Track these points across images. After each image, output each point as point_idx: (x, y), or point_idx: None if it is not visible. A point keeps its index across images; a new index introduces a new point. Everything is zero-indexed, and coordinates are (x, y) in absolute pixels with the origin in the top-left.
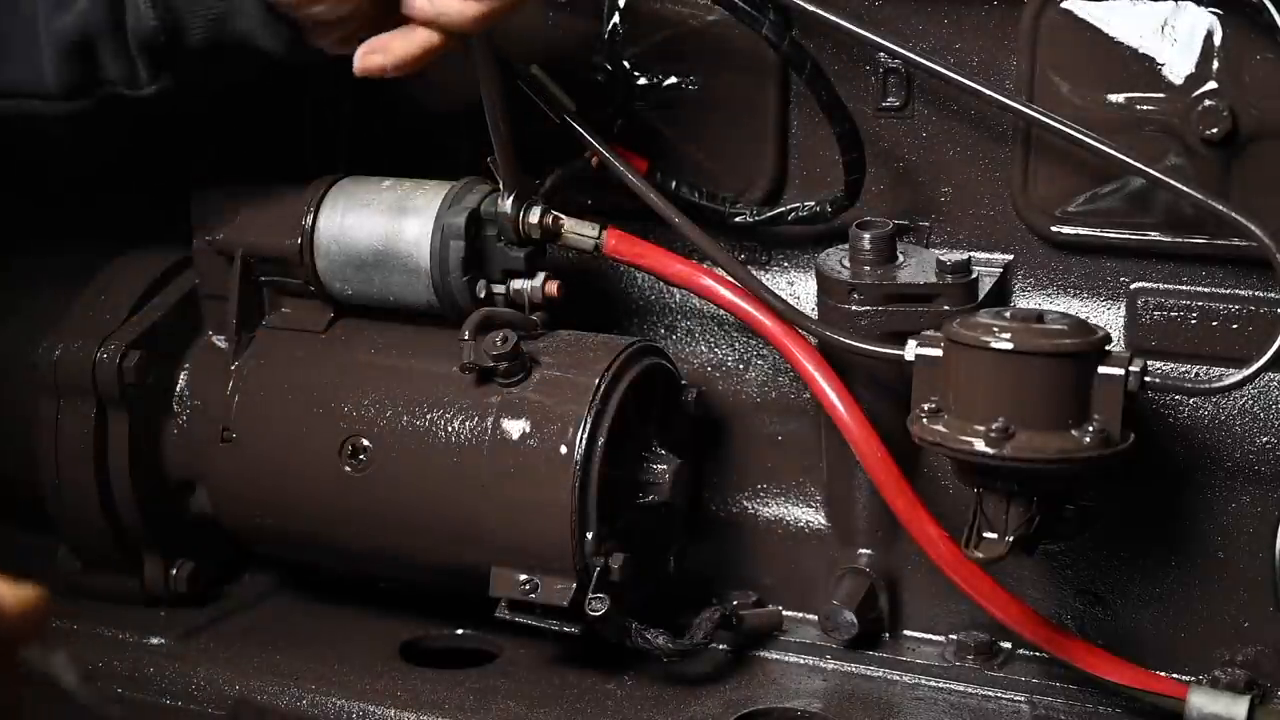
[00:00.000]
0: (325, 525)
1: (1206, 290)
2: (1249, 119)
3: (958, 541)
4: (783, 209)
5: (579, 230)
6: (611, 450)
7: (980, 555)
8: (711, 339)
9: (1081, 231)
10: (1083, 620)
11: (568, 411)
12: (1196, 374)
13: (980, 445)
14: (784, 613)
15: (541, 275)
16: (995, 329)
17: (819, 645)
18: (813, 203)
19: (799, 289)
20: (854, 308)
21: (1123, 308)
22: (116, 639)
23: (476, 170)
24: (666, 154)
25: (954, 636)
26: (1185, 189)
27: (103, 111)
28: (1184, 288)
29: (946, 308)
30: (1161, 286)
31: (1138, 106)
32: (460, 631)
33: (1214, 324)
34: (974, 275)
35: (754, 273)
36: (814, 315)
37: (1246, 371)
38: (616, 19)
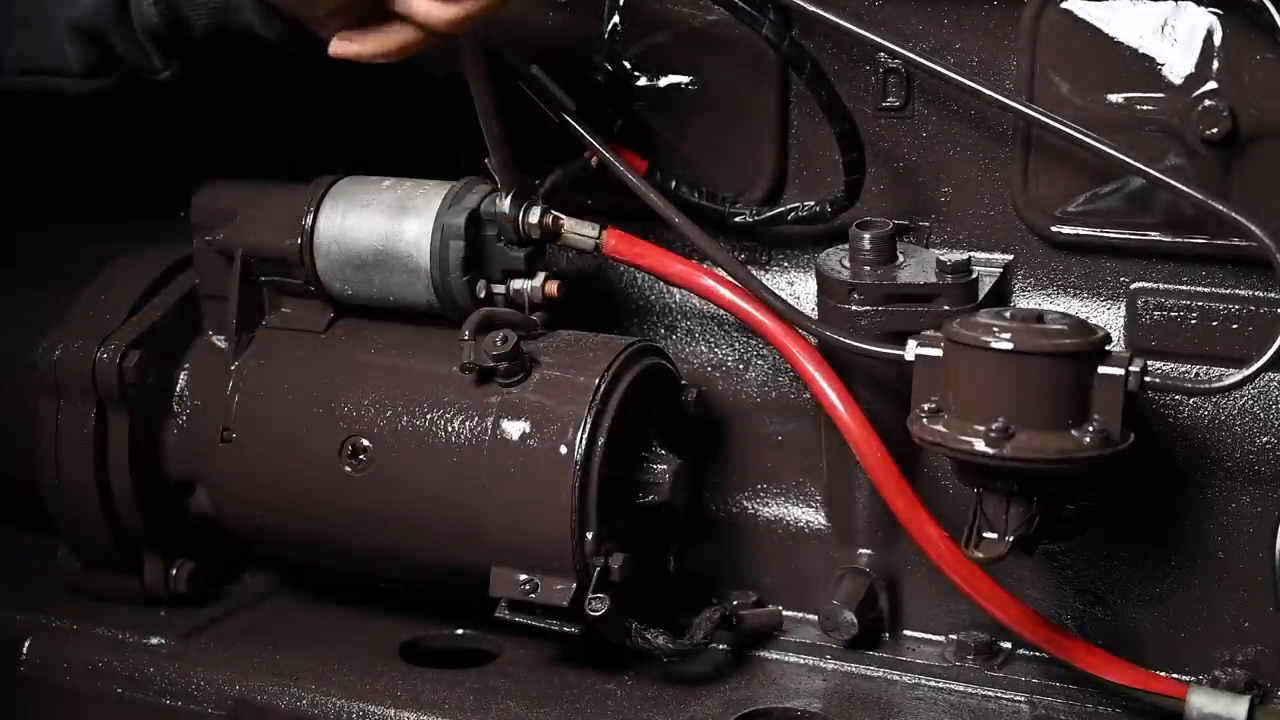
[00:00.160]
0: (325, 525)
1: (1206, 290)
2: (1249, 119)
3: (958, 541)
4: (783, 209)
5: (579, 230)
6: (611, 450)
7: (980, 555)
8: (711, 339)
9: (1081, 231)
10: (1083, 620)
11: (568, 411)
12: (1196, 374)
13: (980, 445)
14: (784, 613)
15: (541, 275)
16: (995, 329)
17: (819, 645)
18: (813, 203)
19: (799, 289)
20: (854, 308)
21: (1123, 308)
22: (116, 639)
23: (476, 170)
24: (666, 154)
25: (954, 636)
26: (1185, 189)
27: (126, 90)
28: (1184, 288)
29: (946, 308)
30: (1161, 286)
31: (1138, 106)
32: (460, 631)
33: (1214, 324)
34: (974, 275)
35: (754, 273)
36: (814, 315)
37: (1246, 371)
38: (616, 19)
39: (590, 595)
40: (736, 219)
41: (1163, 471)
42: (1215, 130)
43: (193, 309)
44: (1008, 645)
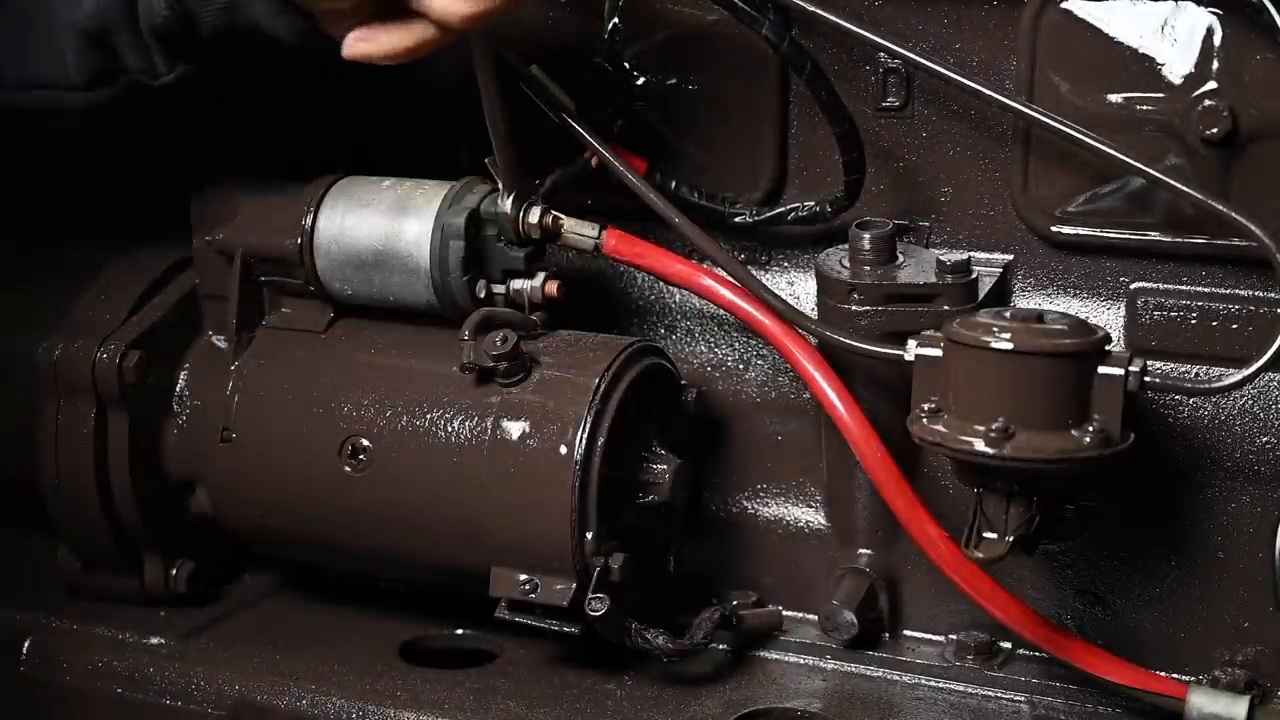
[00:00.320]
0: (325, 525)
1: (1206, 290)
2: (1249, 119)
3: (958, 541)
4: (783, 209)
5: (579, 230)
6: (611, 450)
7: (980, 555)
8: (711, 339)
9: (1081, 231)
10: (1083, 620)
11: (568, 411)
12: (1196, 374)
13: (980, 445)
14: (784, 613)
15: (541, 275)
16: (995, 329)
17: (819, 645)
18: (813, 203)
19: (799, 289)
20: (854, 308)
21: (1123, 308)
22: (116, 639)
23: (476, 170)
24: (666, 154)
25: (954, 636)
26: (1185, 189)
27: (125, 101)
28: (1184, 288)
29: (946, 308)
30: (1161, 286)
31: (1138, 106)
32: (460, 631)
33: (1214, 324)
34: (974, 275)
35: (754, 273)
36: (814, 315)
37: (1246, 371)
38: (616, 19)
39: (590, 595)
40: (736, 219)
41: (1163, 471)
42: (1215, 130)
43: (193, 309)
44: (1008, 645)
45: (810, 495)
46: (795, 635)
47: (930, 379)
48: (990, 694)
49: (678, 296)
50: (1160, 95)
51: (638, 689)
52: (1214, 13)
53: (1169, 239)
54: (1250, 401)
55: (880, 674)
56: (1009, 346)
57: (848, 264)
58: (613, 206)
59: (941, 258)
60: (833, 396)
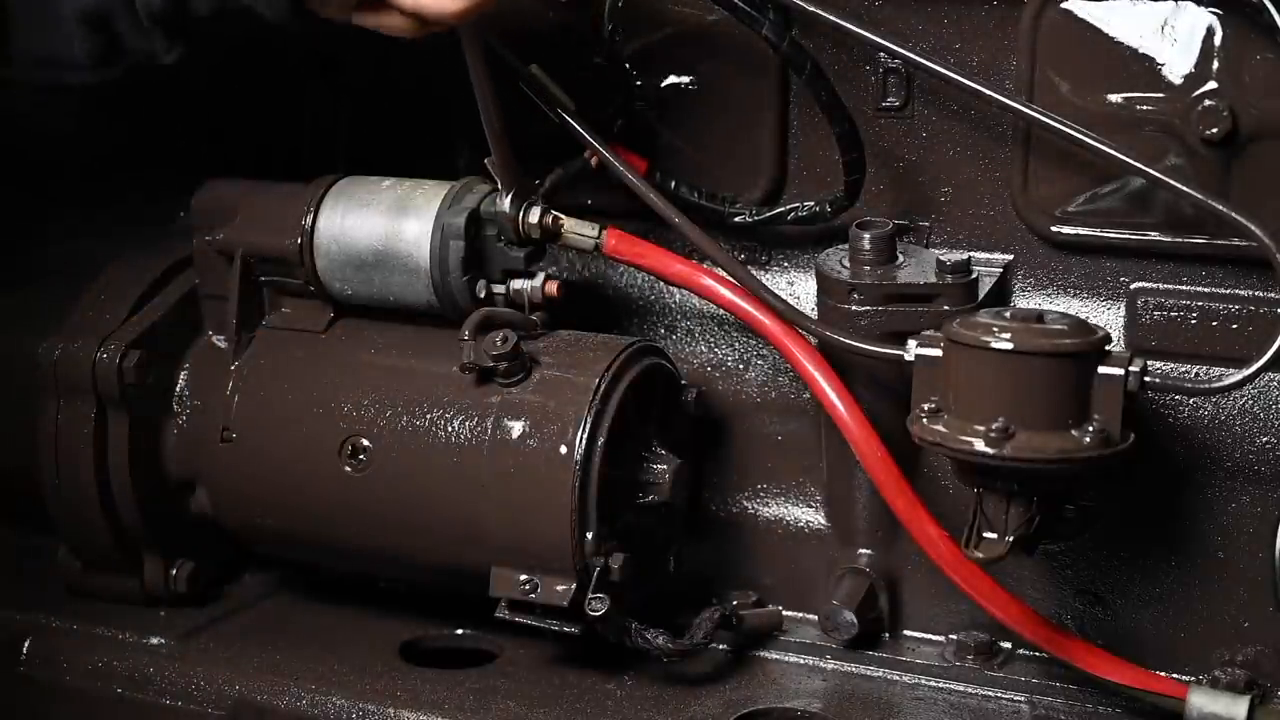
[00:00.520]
0: (325, 525)
1: (1206, 290)
2: (1249, 119)
3: (958, 541)
4: (783, 209)
5: (579, 230)
6: (611, 450)
7: (980, 555)
8: (711, 339)
9: (1081, 231)
10: (1083, 620)
11: (568, 411)
12: (1196, 374)
13: (980, 445)
14: (784, 613)
15: (541, 275)
16: (995, 329)
17: (819, 645)
18: (813, 203)
19: (799, 289)
20: (854, 308)
21: (1123, 308)
22: (116, 639)
23: (477, 170)
24: (666, 154)
25: (954, 636)
26: (1185, 189)
27: (132, 79)
28: (1184, 288)
29: (946, 308)
30: (1161, 286)
31: (1138, 106)
32: (460, 631)
33: (1214, 324)
34: (974, 275)
35: (754, 273)
36: (814, 315)
37: (1246, 371)
38: (616, 19)
39: (590, 595)
40: (736, 219)
41: (1163, 471)
42: (1215, 130)
43: (193, 309)
44: (1008, 645)
45: (810, 495)
46: (795, 635)
47: (930, 379)
48: (990, 694)
49: (678, 296)
50: (1160, 95)
51: (638, 689)
52: (1214, 13)
53: (1169, 239)
54: (1250, 401)
55: (880, 674)
56: (1009, 346)
57: (848, 264)
58: (613, 206)
59: (941, 258)
60: (833, 396)
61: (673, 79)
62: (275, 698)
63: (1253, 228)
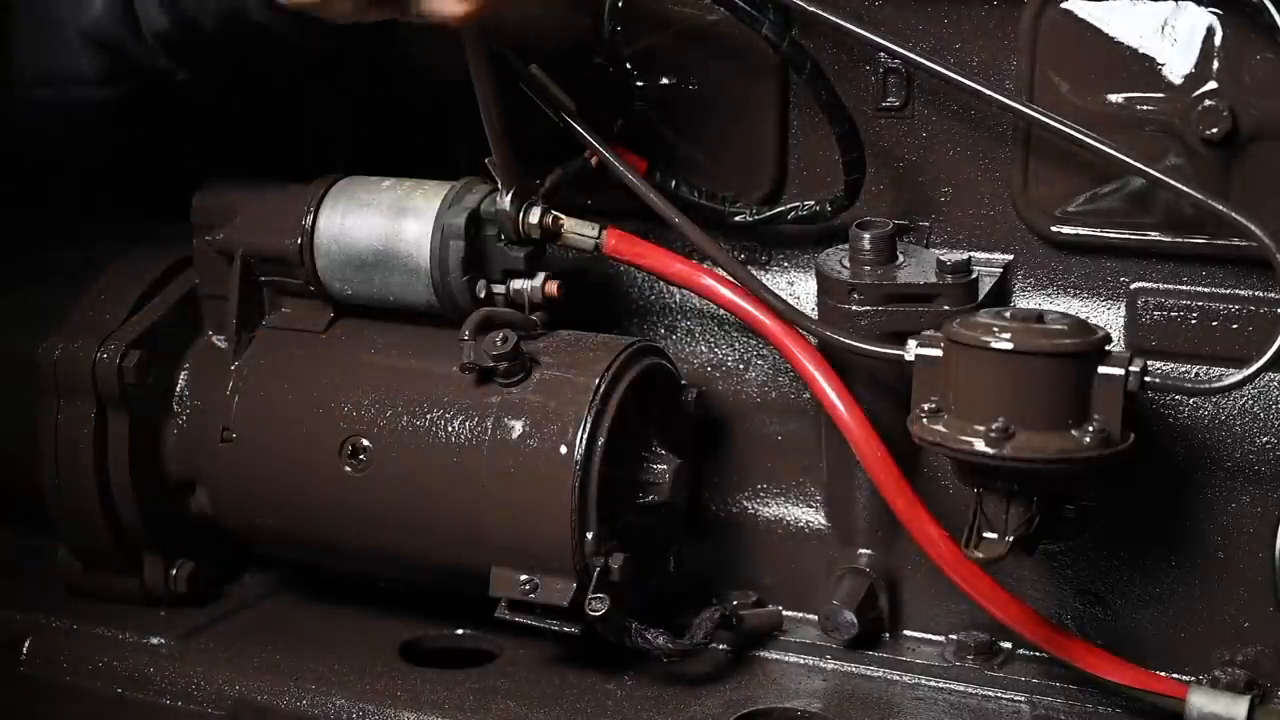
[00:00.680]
0: (325, 525)
1: (1206, 290)
2: (1249, 119)
3: (958, 541)
4: (783, 209)
5: (579, 230)
6: (611, 450)
7: (980, 555)
8: (711, 339)
9: (1081, 231)
10: (1083, 620)
11: (568, 411)
12: (1196, 374)
13: (980, 445)
14: (784, 613)
15: (541, 275)
16: (995, 329)
17: (819, 645)
18: (813, 203)
19: (799, 289)
20: (854, 308)
21: (1123, 308)
22: (116, 639)
23: (477, 170)
24: (666, 154)
25: (954, 636)
26: (1185, 189)
27: (142, 96)
28: (1184, 288)
29: (946, 308)
30: (1161, 286)
31: (1138, 106)
32: (460, 631)
33: (1214, 324)
34: (974, 275)
35: (754, 273)
36: (814, 315)
37: (1246, 371)
38: (616, 19)
39: (590, 595)
40: (736, 219)
41: (1163, 471)
42: (1215, 130)
43: (193, 309)
44: (1008, 645)
45: (810, 495)
46: (795, 635)
47: (930, 379)
48: (990, 694)
49: (678, 296)
50: (1160, 95)
51: (638, 689)
52: (1214, 13)
53: (1169, 239)
54: (1250, 401)
55: (880, 674)
56: (1009, 346)
57: (848, 264)
58: (613, 206)
59: (941, 258)
60: (833, 396)
61: (673, 79)
62: (275, 698)
63: (1253, 228)
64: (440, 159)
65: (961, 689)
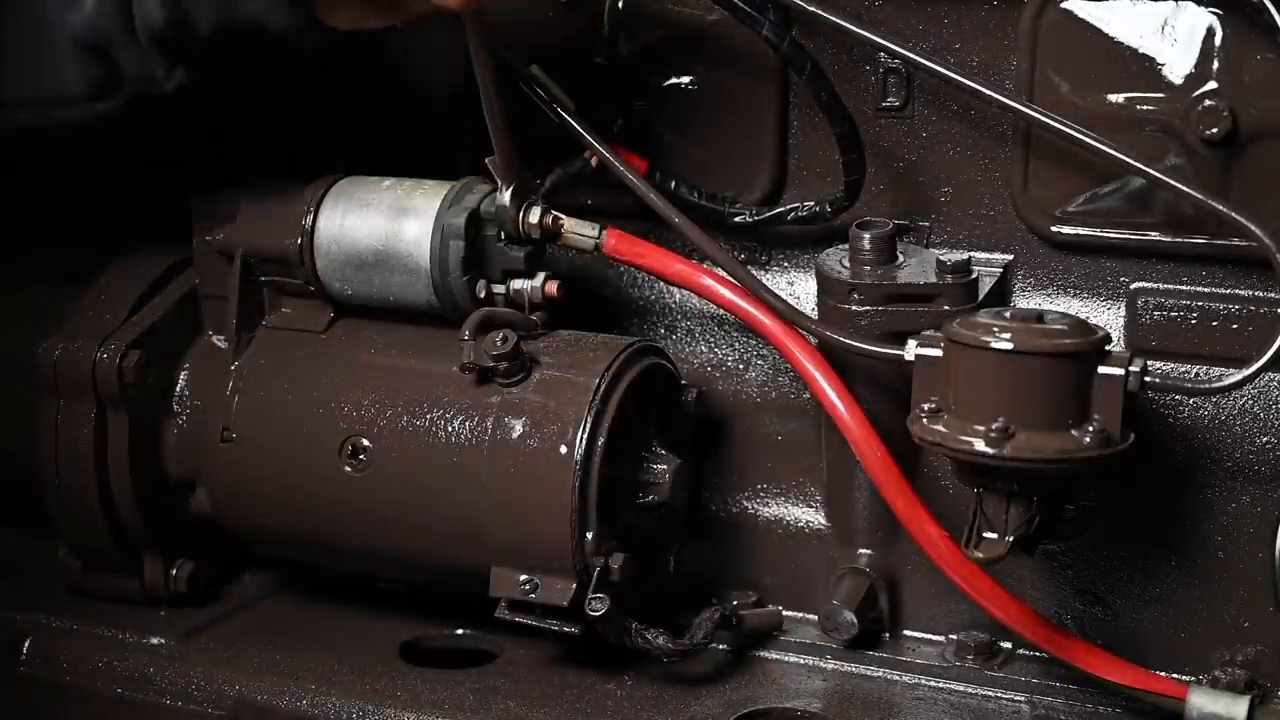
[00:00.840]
0: (325, 525)
1: (1206, 290)
2: (1249, 119)
3: (958, 541)
4: (783, 209)
5: (579, 230)
6: (611, 450)
7: (980, 555)
8: (711, 339)
9: (1081, 231)
10: (1083, 620)
11: (568, 411)
12: (1196, 374)
13: (980, 445)
14: (784, 613)
15: (541, 275)
16: (995, 329)
17: (819, 645)
18: (813, 203)
19: (799, 289)
20: (854, 308)
21: (1123, 308)
22: (116, 639)
23: (476, 170)
24: (666, 154)
25: (954, 636)
26: (1185, 189)
27: (128, 112)
28: (1184, 288)
29: (946, 308)
30: (1161, 286)
31: (1138, 106)
32: (460, 631)
33: (1214, 324)
34: (974, 275)
35: (754, 273)
36: (814, 315)
37: (1246, 371)
38: (616, 19)
39: (590, 595)
40: (736, 219)
41: (1163, 471)
42: (1215, 130)
43: (193, 309)
44: (1008, 645)
45: (810, 495)
46: (795, 635)
47: (930, 379)
48: (990, 694)
49: (678, 296)
50: (1160, 95)
51: (638, 689)
52: (1214, 13)
53: (1169, 239)
54: (1250, 401)
55: (880, 674)
56: (1009, 346)
57: (848, 264)
58: (613, 206)
59: (941, 258)
60: (833, 396)
61: (673, 79)
62: (275, 698)
63: (1253, 228)
64: (440, 159)
65: (961, 689)
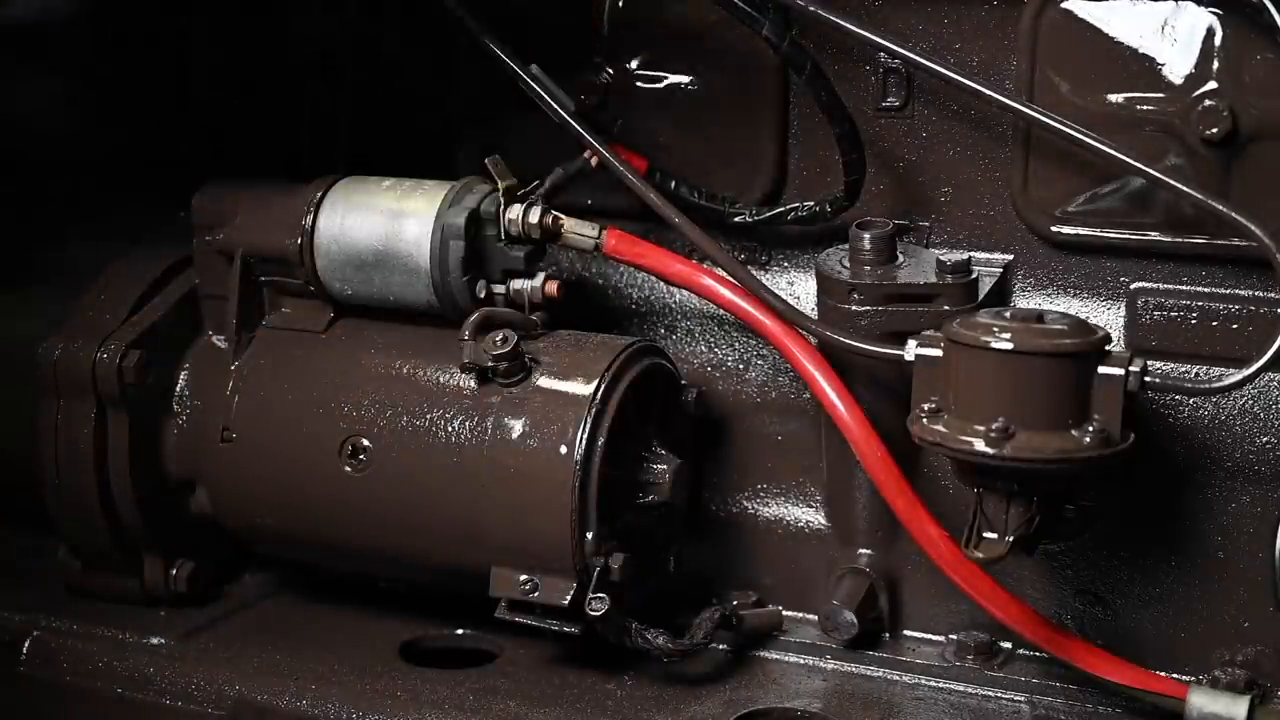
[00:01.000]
0: (325, 525)
1: (1206, 290)
2: (1249, 119)
3: (958, 541)
4: (783, 209)
5: (579, 230)
6: (611, 450)
7: (980, 555)
8: (711, 339)
9: (1081, 231)
10: (1083, 620)
11: (567, 411)
12: (1196, 374)
13: (980, 445)
14: (784, 613)
15: (541, 275)
16: (995, 329)
17: (819, 645)
18: (813, 203)
19: (799, 289)
20: (854, 308)
21: (1123, 308)
22: (116, 639)
23: (477, 170)
24: (666, 154)
25: (954, 636)
26: (1185, 189)
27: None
28: (1184, 288)
29: (946, 308)
30: (1161, 286)
31: (1138, 106)
32: (460, 631)
33: (1214, 324)
34: (974, 275)
35: (754, 273)
36: (814, 315)
37: (1246, 371)
38: (616, 19)
39: (590, 595)
40: (736, 219)
41: (1163, 471)
42: (1215, 130)
43: (193, 309)
44: (1008, 645)
45: (810, 495)
46: (795, 635)
47: (930, 379)
48: (990, 694)
49: (678, 296)
50: (1160, 95)
51: (638, 689)
52: (1214, 13)
53: (1169, 239)
54: (1250, 401)
55: (880, 674)
56: (1009, 346)
57: (848, 264)
58: (613, 206)
59: (941, 258)
60: (833, 396)
61: (673, 79)
62: (275, 698)
63: (1253, 228)
64: (440, 159)
65: (961, 689)
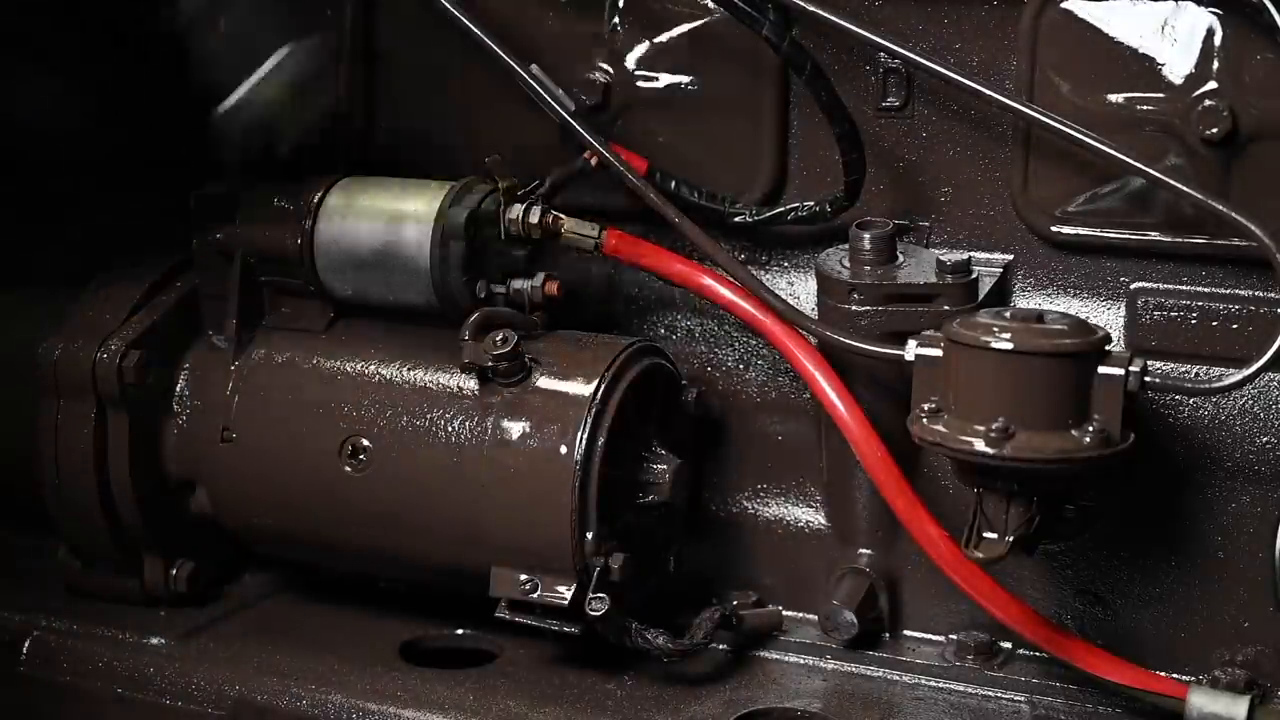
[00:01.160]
0: (325, 525)
1: (1206, 290)
2: (1249, 119)
3: (958, 541)
4: (783, 209)
5: (579, 230)
6: (611, 450)
7: (980, 555)
8: (711, 339)
9: (1081, 231)
10: (1083, 620)
11: (568, 411)
12: (1196, 374)
13: (980, 445)
14: (784, 613)
15: (541, 275)
16: (995, 329)
17: (819, 645)
18: (813, 203)
19: (799, 289)
20: (854, 308)
21: (1123, 308)
22: (116, 639)
23: (476, 170)
24: (666, 154)
25: (954, 636)
26: (1185, 189)
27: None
28: (1184, 288)
29: (946, 308)
30: (1161, 286)
31: (1138, 106)
32: (460, 631)
33: (1214, 324)
34: (974, 275)
35: (754, 273)
36: (814, 315)
37: (1246, 371)
38: (616, 19)
39: (590, 595)
40: (736, 219)
41: (1163, 471)
42: (1215, 130)
43: (193, 309)
44: (1008, 645)
45: (810, 495)
46: (795, 635)
47: (930, 379)
48: (990, 694)
49: (678, 296)
50: (1160, 95)
51: (638, 689)
52: (1214, 13)
53: (1169, 239)
54: (1250, 401)
55: (880, 674)
56: (1009, 346)
57: (848, 264)
58: (613, 206)
59: (941, 258)
60: (833, 396)
61: (673, 79)
62: (275, 698)
63: (1253, 228)
64: (441, 159)
65: (961, 689)
